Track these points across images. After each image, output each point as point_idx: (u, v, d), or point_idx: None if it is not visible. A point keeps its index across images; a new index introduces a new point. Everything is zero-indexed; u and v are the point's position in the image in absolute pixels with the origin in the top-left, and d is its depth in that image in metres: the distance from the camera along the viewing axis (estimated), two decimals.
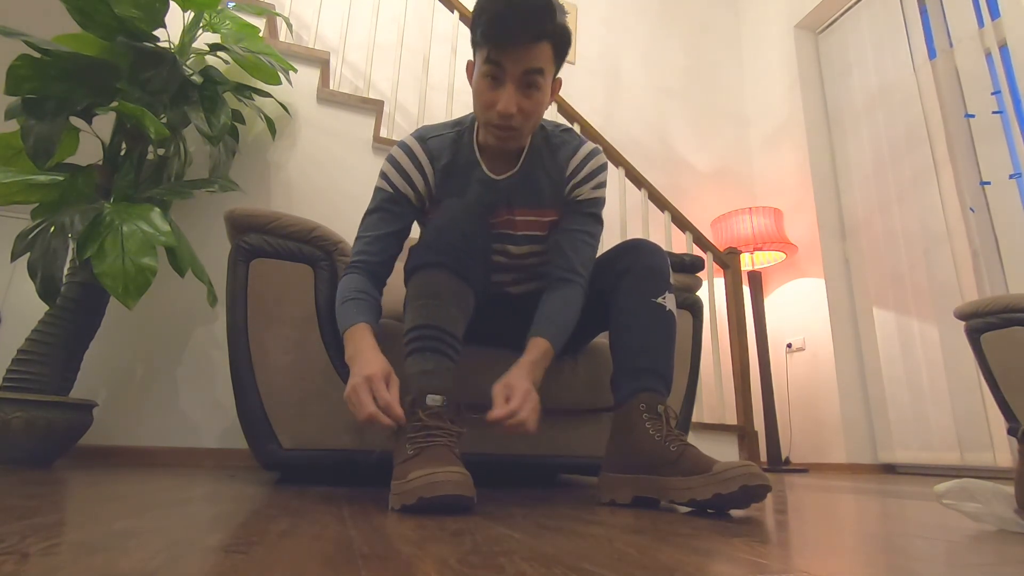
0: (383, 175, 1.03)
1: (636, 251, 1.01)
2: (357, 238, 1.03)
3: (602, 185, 1.07)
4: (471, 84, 0.97)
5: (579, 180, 1.05)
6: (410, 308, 0.89)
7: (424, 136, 1.04)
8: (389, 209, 1.03)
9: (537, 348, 0.94)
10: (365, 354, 0.85)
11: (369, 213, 1.04)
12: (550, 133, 1.07)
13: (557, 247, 1.06)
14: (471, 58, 0.99)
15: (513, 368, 0.91)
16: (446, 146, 1.04)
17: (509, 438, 1.24)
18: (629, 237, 1.62)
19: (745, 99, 3.62)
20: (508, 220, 1.07)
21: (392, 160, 1.03)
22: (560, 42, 0.91)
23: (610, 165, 2.17)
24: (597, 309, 1.04)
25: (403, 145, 1.03)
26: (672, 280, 1.01)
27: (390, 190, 1.02)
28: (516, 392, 0.85)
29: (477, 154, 1.04)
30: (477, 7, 0.89)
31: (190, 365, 1.74)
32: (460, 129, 1.05)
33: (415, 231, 1.29)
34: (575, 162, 1.05)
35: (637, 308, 0.97)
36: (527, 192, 1.05)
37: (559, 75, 0.98)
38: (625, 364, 0.95)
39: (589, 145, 1.08)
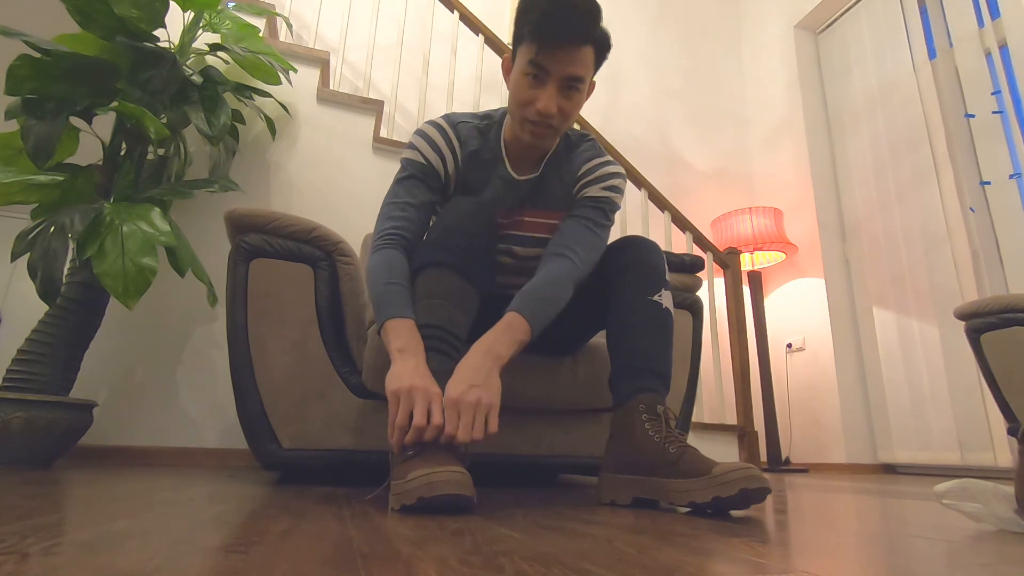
0: (412, 147, 1.00)
1: (631, 248, 1.01)
2: (388, 204, 0.97)
3: (614, 189, 1.05)
4: (506, 80, 0.97)
5: (588, 180, 1.04)
6: (415, 306, 0.89)
7: (454, 120, 1.03)
8: (422, 178, 0.99)
9: (501, 323, 0.86)
10: (424, 367, 0.80)
11: (400, 181, 0.99)
12: (573, 141, 1.08)
13: (556, 230, 1.03)
14: (507, 54, 0.98)
15: (466, 355, 0.83)
16: (474, 134, 1.03)
17: (509, 438, 1.24)
18: None
19: (745, 99, 3.62)
20: (517, 221, 1.06)
21: (423, 134, 1.00)
22: (602, 47, 0.92)
23: None
24: (595, 307, 1.04)
25: (434, 123, 1.01)
26: (668, 277, 1.01)
27: (422, 160, 0.99)
28: (450, 395, 0.77)
29: (503, 151, 1.03)
30: (525, 3, 0.89)
31: (190, 365, 1.74)
32: (489, 123, 1.04)
33: None
34: (587, 166, 1.05)
35: (633, 306, 0.96)
36: (540, 194, 1.06)
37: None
38: (623, 364, 0.94)
39: (608, 157, 1.07)
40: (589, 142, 1.09)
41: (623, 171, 1.07)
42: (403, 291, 0.88)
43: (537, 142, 0.96)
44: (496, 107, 1.08)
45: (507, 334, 0.85)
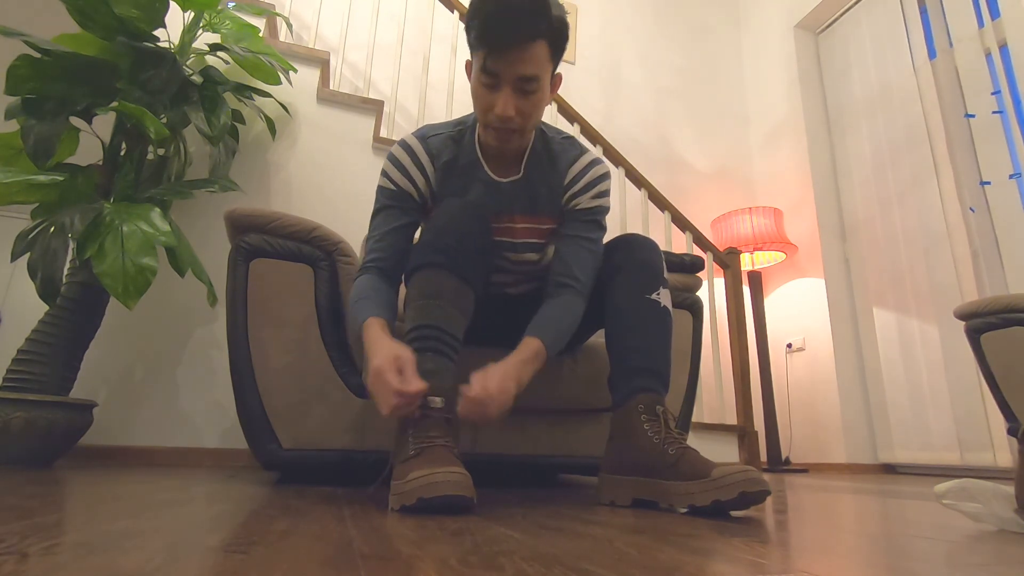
0: (384, 173, 1.03)
1: (628, 246, 1.01)
2: (367, 239, 1.02)
3: (603, 194, 1.05)
4: (471, 83, 0.97)
5: (578, 190, 1.04)
6: (410, 308, 0.89)
7: (425, 135, 1.04)
8: (393, 205, 1.02)
9: (527, 347, 0.90)
10: (377, 343, 0.83)
11: (375, 214, 1.03)
12: (551, 139, 1.07)
13: (556, 253, 1.05)
14: (469, 58, 0.98)
15: (500, 362, 0.86)
16: (447, 144, 1.03)
17: (509, 438, 1.24)
18: None
19: (745, 99, 3.62)
20: (508, 228, 1.06)
21: (392, 158, 1.03)
22: (556, 38, 0.90)
23: (610, 165, 2.17)
24: (593, 306, 1.03)
25: (403, 143, 1.03)
26: (666, 275, 1.01)
27: (392, 187, 1.02)
28: (491, 380, 0.81)
29: (479, 154, 1.03)
30: (471, 8, 0.88)
31: (190, 365, 1.74)
32: (462, 128, 1.05)
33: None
34: (574, 171, 1.05)
35: (631, 305, 0.96)
36: (526, 198, 1.05)
37: (558, 70, 0.97)
38: (621, 364, 0.94)
39: (590, 155, 1.07)
40: (565, 138, 1.08)
41: (607, 168, 1.08)
42: (368, 302, 0.91)
43: (504, 145, 0.97)
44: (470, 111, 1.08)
45: (534, 363, 0.90)
